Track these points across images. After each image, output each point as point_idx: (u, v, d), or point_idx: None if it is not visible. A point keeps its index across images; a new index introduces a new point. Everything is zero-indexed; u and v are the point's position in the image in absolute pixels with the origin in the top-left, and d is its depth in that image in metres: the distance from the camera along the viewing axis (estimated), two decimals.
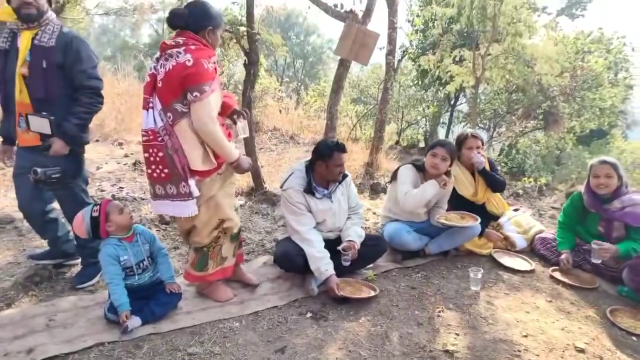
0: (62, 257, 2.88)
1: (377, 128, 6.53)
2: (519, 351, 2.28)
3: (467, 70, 7.63)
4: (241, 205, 4.23)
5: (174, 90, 2.24)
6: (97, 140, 6.64)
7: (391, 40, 6.10)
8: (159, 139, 2.30)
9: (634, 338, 2.49)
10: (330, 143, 2.87)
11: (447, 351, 2.24)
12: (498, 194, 3.76)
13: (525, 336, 2.42)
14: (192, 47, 2.25)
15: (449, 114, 12.48)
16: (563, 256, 3.24)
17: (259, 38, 5.67)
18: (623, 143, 15.48)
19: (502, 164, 8.83)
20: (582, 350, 2.32)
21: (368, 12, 4.38)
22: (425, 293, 2.85)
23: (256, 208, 4.24)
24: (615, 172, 3.10)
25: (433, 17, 8.79)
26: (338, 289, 2.67)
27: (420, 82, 11.67)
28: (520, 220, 3.71)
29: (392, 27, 6.01)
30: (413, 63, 11.05)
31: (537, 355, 2.26)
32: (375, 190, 5.26)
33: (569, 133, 10.35)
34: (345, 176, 2.99)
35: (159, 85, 2.29)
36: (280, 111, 10.50)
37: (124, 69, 8.86)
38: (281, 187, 2.90)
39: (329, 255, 2.76)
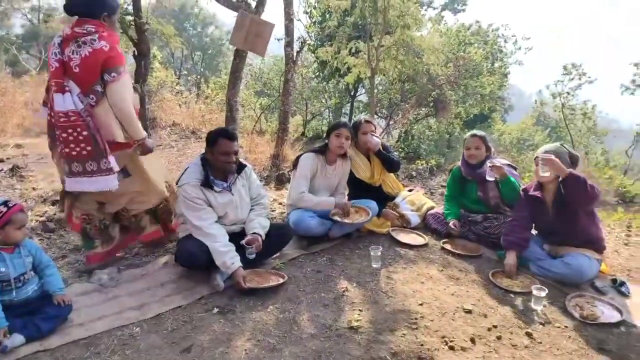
0: None
1: (281, 120, 6.57)
2: (416, 319, 2.46)
3: (363, 61, 7.96)
4: None
5: (94, 73, 2.49)
6: None
7: (288, 32, 6.15)
8: (81, 119, 2.50)
9: (512, 295, 2.82)
10: (217, 129, 2.83)
11: (351, 327, 2.34)
12: (393, 176, 4.01)
13: (421, 304, 2.62)
14: (104, 33, 2.52)
15: (350, 104, 12.94)
16: (451, 223, 3.60)
17: (148, 28, 5.35)
18: (502, 126, 17.41)
19: (400, 150, 9.41)
20: (469, 311, 2.57)
21: (261, 2, 4.35)
22: (330, 275, 2.95)
23: None
24: (483, 144, 3.54)
25: (329, 9, 9.01)
26: (245, 280, 2.65)
27: (320, 74, 11.93)
28: (414, 199, 3.99)
29: (289, 19, 6.05)
30: (313, 55, 11.25)
31: (432, 320, 2.46)
32: (281, 181, 5.29)
33: (456, 118, 11.35)
34: (243, 167, 2.95)
35: (75, 70, 2.50)
36: (180, 105, 10.03)
37: None
38: (177, 183, 2.79)
39: (234, 248, 2.73)
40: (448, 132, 12.03)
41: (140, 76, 5.35)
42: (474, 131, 3.70)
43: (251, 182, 3.05)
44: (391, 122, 10.86)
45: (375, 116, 10.54)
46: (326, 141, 3.46)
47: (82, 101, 2.50)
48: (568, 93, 9.83)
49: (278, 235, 3.06)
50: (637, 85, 9.37)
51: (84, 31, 2.48)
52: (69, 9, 2.57)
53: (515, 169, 3.58)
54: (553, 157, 2.89)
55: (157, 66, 11.08)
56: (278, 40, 8.54)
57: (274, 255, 3.14)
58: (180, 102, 10.19)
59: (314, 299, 2.64)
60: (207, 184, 2.75)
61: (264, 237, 2.88)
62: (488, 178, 3.32)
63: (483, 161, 3.54)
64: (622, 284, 2.96)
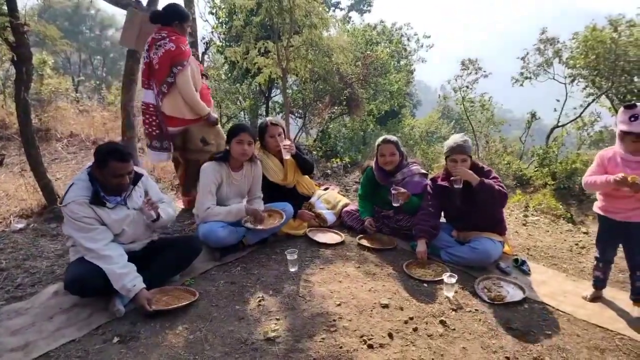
0: None
1: None
2: (334, 320, 2.41)
3: (273, 61, 7.82)
4: (21, 229, 3.50)
5: (167, 68, 3.39)
6: None
7: (191, 32, 5.84)
8: (156, 111, 3.54)
9: (425, 285, 2.89)
10: (107, 148, 2.45)
11: (268, 339, 2.23)
12: (307, 175, 3.94)
13: (339, 304, 2.57)
14: (173, 37, 3.40)
15: (265, 105, 12.75)
16: (366, 222, 3.61)
17: (27, 29, 4.76)
18: (412, 120, 18.28)
19: (318, 149, 9.42)
20: (386, 306, 2.58)
21: (152, 0, 4.04)
22: (245, 285, 2.80)
23: (43, 229, 3.54)
24: (397, 150, 3.54)
25: (234, 9, 8.75)
26: (151, 302, 2.42)
27: (231, 75, 11.61)
28: (329, 198, 3.97)
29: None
30: (222, 56, 10.91)
31: (350, 320, 2.43)
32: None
33: (369, 115, 11.65)
34: (139, 176, 2.68)
35: (156, 67, 3.43)
36: (81, 113, 9.14)
37: None
38: (61, 202, 2.44)
39: (135, 268, 2.47)
40: (362, 129, 12.32)
41: (22, 84, 4.73)
42: (387, 136, 3.64)
43: (149, 189, 2.76)
44: (307, 122, 10.86)
45: (291, 116, 10.48)
46: (227, 147, 3.23)
47: (159, 98, 3.46)
48: (467, 87, 10.50)
49: (184, 249, 2.84)
50: (524, 77, 10.26)
51: (160, 37, 3.40)
52: (153, 19, 3.49)
53: (426, 176, 3.64)
54: (462, 173, 3.01)
55: (49, 72, 10.04)
56: None
57: (183, 271, 2.90)
58: (79, 110, 9.29)
59: (227, 313, 2.48)
60: (97, 200, 2.43)
61: (163, 217, 2.71)
62: (394, 204, 3.34)
63: (398, 166, 3.55)
64: (523, 262, 3.18)
